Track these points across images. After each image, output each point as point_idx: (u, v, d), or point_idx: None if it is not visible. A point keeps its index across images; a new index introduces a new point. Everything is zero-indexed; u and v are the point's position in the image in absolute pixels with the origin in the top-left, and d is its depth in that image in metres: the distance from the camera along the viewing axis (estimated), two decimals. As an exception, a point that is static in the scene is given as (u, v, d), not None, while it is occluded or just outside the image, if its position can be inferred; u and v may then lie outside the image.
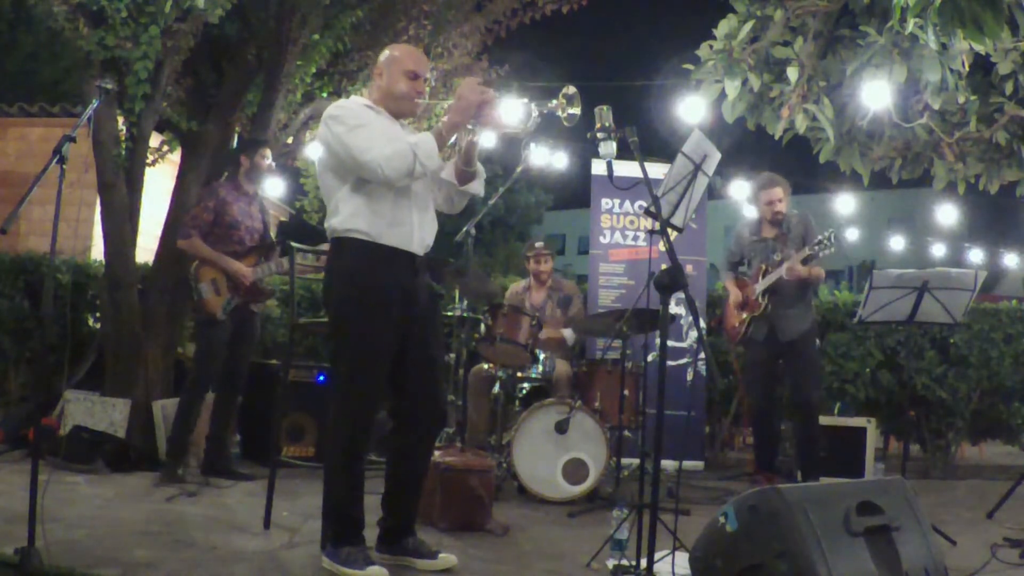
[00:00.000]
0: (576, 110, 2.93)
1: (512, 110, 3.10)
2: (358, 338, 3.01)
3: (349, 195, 3.02)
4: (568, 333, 5.46)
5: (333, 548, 2.97)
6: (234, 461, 5.02)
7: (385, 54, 3.17)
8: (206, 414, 4.88)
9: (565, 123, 2.95)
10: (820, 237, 4.83)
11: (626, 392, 4.71)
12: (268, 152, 4.96)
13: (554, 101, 2.95)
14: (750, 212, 5.53)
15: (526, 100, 3.05)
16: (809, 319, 5.13)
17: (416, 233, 3.09)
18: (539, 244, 5.77)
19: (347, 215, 3.01)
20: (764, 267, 5.12)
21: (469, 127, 3.04)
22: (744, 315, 5.18)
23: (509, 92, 6.79)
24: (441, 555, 3.11)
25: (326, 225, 3.12)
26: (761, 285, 5.07)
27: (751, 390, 5.42)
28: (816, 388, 5.16)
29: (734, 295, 5.27)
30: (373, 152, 2.90)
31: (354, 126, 2.96)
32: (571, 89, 2.94)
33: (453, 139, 3.10)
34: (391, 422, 3.29)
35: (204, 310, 4.65)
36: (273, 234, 5.06)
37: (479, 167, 3.20)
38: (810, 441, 5.08)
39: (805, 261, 4.92)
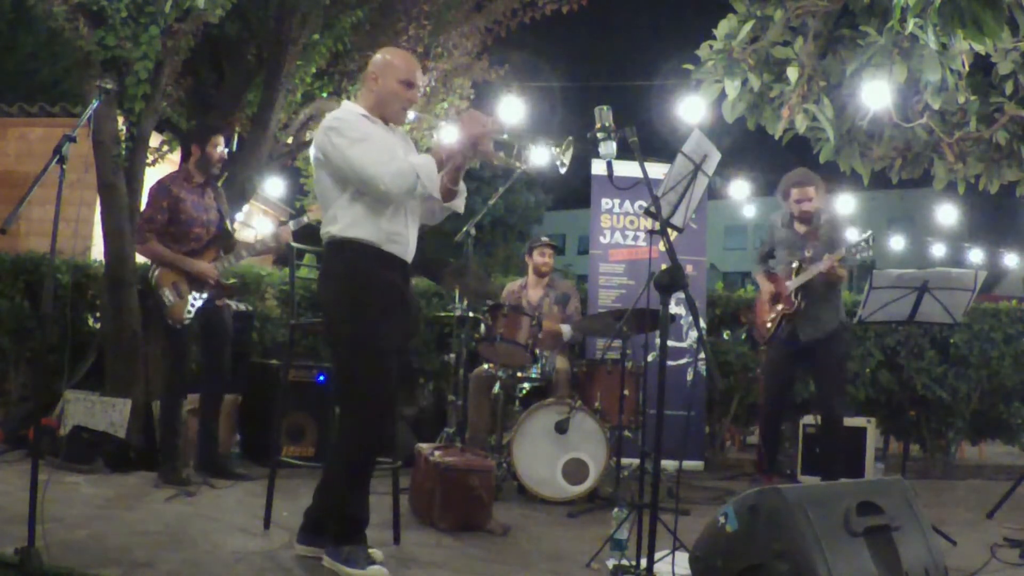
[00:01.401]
0: (568, 159, 3.03)
1: (508, 146, 3.17)
2: (364, 337, 3.01)
3: (349, 204, 3.05)
4: (566, 329, 5.47)
5: (334, 547, 2.98)
6: (233, 461, 5.01)
7: (379, 58, 3.18)
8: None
9: (560, 170, 3.07)
10: (860, 240, 4.70)
11: (626, 392, 4.71)
12: (221, 140, 4.73)
13: (554, 148, 3.06)
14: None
15: (523, 139, 3.17)
16: (836, 319, 4.99)
17: (410, 244, 3.17)
18: (544, 238, 5.88)
19: (347, 224, 3.04)
20: (798, 264, 5.02)
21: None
22: (775, 314, 5.09)
23: (509, 92, 6.81)
24: (370, 550, 3.08)
25: (323, 232, 3.13)
26: (795, 283, 4.98)
27: (766, 388, 5.37)
28: (839, 397, 5.01)
29: (766, 289, 5.20)
30: (377, 168, 2.93)
31: (355, 139, 2.98)
32: (571, 142, 3.03)
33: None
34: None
35: (169, 316, 4.50)
36: (230, 223, 4.92)
37: (462, 186, 3.25)
38: (833, 446, 5.03)
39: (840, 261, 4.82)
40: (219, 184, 4.92)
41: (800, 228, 5.12)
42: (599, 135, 3.01)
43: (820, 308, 4.95)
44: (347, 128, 3.00)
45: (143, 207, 4.61)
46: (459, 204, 3.29)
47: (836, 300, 5.03)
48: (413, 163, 2.98)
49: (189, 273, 4.55)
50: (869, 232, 4.76)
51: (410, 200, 3.11)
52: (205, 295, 4.61)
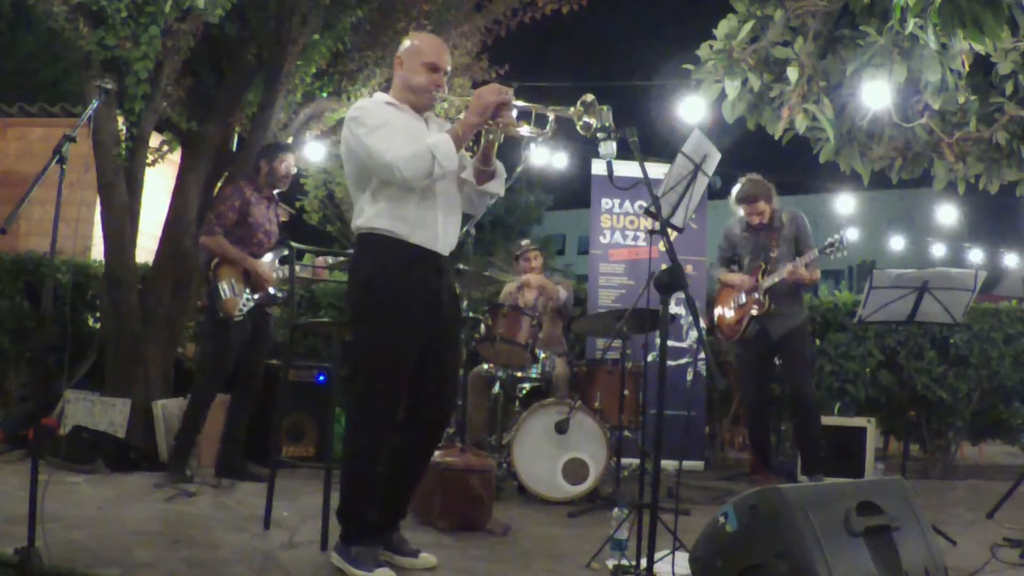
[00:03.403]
0: (593, 119, 2.92)
1: (529, 114, 3.09)
2: (380, 337, 2.96)
3: (373, 197, 2.99)
4: (562, 291, 5.53)
5: (344, 546, 2.96)
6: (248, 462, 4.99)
7: (406, 44, 3.12)
8: (215, 415, 4.87)
9: (580, 131, 2.95)
10: (831, 240, 4.86)
11: (626, 392, 4.71)
12: (289, 157, 4.89)
13: (572, 108, 2.96)
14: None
15: (544, 104, 3.04)
16: (801, 315, 5.16)
17: (441, 233, 3.06)
18: (525, 242, 5.90)
19: (371, 215, 2.99)
20: (764, 266, 5.12)
21: (487, 128, 3.02)
22: (744, 313, 5.17)
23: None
24: (423, 554, 3.09)
25: (352, 226, 3.10)
26: (765, 284, 5.06)
27: (744, 389, 5.44)
28: (805, 380, 5.12)
29: (740, 281, 5.22)
30: (392, 154, 2.87)
31: (374, 127, 2.93)
32: (589, 97, 2.93)
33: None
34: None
35: (222, 310, 4.58)
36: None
37: (498, 166, 3.15)
38: (809, 437, 5.09)
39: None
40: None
41: (761, 231, 5.24)
42: (599, 135, 3.00)
43: (789, 305, 5.08)
44: (366, 116, 2.96)
45: (213, 203, 4.73)
46: (496, 187, 3.19)
47: (801, 296, 5.21)
48: (428, 143, 2.90)
49: (247, 274, 4.64)
50: (840, 233, 4.85)
51: (439, 185, 3.02)
52: (256, 298, 4.68)
